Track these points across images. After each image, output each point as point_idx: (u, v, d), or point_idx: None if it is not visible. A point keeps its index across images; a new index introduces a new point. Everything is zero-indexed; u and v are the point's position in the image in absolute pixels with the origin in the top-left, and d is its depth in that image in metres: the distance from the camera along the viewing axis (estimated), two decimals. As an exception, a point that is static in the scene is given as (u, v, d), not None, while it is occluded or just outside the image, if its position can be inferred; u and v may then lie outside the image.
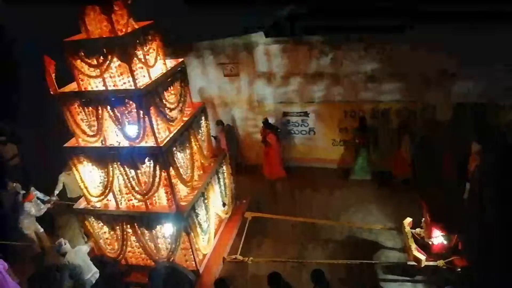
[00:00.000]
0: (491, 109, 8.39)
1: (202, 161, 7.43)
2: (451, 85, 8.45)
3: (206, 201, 7.15)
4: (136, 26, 6.30)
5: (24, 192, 8.18)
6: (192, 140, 6.97)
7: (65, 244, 6.53)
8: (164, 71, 6.60)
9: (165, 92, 6.50)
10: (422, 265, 6.50)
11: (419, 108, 8.89)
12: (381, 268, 7.03)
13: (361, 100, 9.18)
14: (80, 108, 6.31)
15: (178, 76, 6.85)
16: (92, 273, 6.56)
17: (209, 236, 7.31)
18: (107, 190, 6.63)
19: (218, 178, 7.81)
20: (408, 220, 7.22)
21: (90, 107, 6.24)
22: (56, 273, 6.80)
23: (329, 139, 9.89)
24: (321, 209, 8.77)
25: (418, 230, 7.10)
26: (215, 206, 7.66)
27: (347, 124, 9.56)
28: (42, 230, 8.30)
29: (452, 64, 8.20)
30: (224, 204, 8.12)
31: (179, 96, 6.82)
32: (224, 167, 8.10)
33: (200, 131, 7.39)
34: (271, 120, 9.75)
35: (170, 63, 6.99)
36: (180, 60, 7.06)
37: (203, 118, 7.50)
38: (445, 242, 6.56)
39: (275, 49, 9.22)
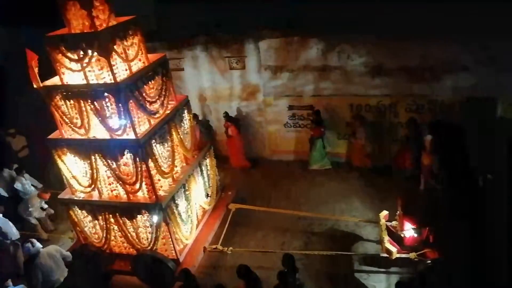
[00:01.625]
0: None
1: (185, 153, 7.60)
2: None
3: (187, 192, 7.33)
4: (117, 21, 6.47)
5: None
6: (173, 133, 7.14)
7: (33, 246, 6.36)
8: (145, 66, 6.75)
9: (145, 86, 6.65)
10: (393, 257, 6.64)
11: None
12: (357, 259, 7.19)
13: (368, 93, 9.20)
14: (63, 101, 6.50)
15: (159, 70, 7.00)
16: (60, 272, 6.61)
17: (191, 226, 7.52)
18: (94, 181, 6.85)
19: (201, 170, 7.98)
20: (384, 213, 7.35)
21: (72, 101, 6.43)
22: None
23: (335, 132, 9.89)
24: (305, 201, 8.95)
25: (394, 223, 7.22)
26: (197, 197, 7.85)
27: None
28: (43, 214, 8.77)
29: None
30: (207, 196, 8.30)
31: (160, 90, 6.97)
32: (208, 160, 8.26)
33: (183, 124, 7.54)
34: (273, 113, 9.92)
35: (154, 57, 7.15)
36: (162, 54, 7.20)
37: (186, 111, 7.66)
38: (415, 235, 6.69)
39: (280, 43, 9.30)
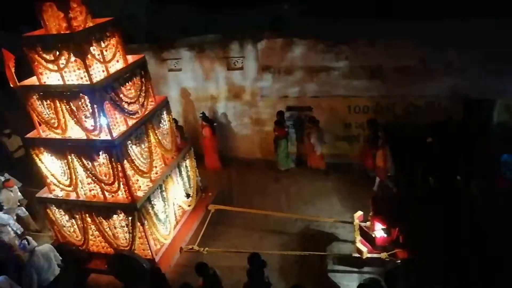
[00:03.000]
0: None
1: (164, 154, 7.66)
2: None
3: (164, 192, 7.40)
4: (95, 23, 6.53)
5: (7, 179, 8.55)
6: (151, 133, 7.20)
7: (29, 244, 6.38)
8: (123, 67, 6.82)
9: (122, 87, 6.72)
10: (364, 257, 6.77)
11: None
12: (331, 259, 7.28)
13: (366, 95, 9.25)
14: (39, 101, 6.57)
15: (137, 71, 7.07)
16: (51, 271, 6.64)
17: (169, 226, 7.59)
18: (72, 180, 6.92)
19: (180, 171, 8.05)
20: (359, 213, 7.46)
21: (48, 101, 6.49)
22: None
23: (333, 133, 9.88)
24: (285, 201, 9.05)
25: (368, 223, 7.32)
26: (176, 198, 7.92)
27: (352, 119, 9.61)
28: (27, 213, 8.72)
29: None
30: (188, 196, 8.36)
31: (138, 91, 7.04)
32: (188, 161, 8.33)
33: (161, 125, 7.61)
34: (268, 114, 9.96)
35: (132, 58, 7.21)
36: (141, 56, 7.26)
37: (165, 112, 7.72)
38: (385, 235, 6.78)
39: (279, 43, 9.35)
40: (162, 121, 7.64)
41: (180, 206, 8.20)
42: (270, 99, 9.99)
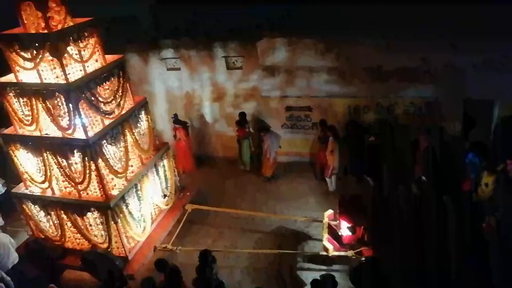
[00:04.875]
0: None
1: (141, 154, 7.76)
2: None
3: (139, 192, 7.50)
4: (74, 23, 6.61)
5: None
6: (127, 133, 7.30)
7: None
8: (100, 67, 6.90)
9: (99, 87, 6.80)
10: (331, 255, 6.97)
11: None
12: (302, 257, 7.45)
13: (367, 95, 9.29)
14: (16, 98, 6.64)
15: (115, 71, 7.15)
16: (11, 258, 6.79)
17: (144, 225, 7.69)
18: (47, 177, 7.00)
19: (157, 171, 8.15)
20: (329, 212, 7.65)
21: (24, 98, 6.57)
22: None
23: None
24: (262, 200, 9.22)
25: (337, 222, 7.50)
26: (153, 197, 8.02)
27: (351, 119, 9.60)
28: None
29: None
30: (165, 196, 8.47)
31: (116, 91, 7.13)
32: (165, 161, 8.43)
33: (139, 125, 7.70)
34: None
35: (112, 58, 7.30)
36: (119, 56, 7.34)
37: (143, 112, 7.82)
38: (349, 234, 6.96)
39: (279, 43, 9.39)
40: (140, 121, 7.73)
41: (157, 205, 8.31)
42: (269, 99, 10.02)
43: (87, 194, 7.03)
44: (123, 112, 7.25)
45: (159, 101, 10.89)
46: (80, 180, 6.67)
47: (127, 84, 7.46)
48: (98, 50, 6.96)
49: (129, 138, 7.33)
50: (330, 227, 7.51)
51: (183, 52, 10.15)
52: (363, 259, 6.61)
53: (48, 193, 7.23)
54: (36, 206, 7.36)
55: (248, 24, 9.75)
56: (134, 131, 7.46)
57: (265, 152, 9.55)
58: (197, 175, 10.32)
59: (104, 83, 6.92)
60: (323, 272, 6.92)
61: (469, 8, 7.65)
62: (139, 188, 7.51)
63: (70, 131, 6.49)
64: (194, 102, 10.69)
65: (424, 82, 8.81)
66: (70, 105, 6.27)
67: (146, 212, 7.73)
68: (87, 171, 6.56)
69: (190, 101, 10.70)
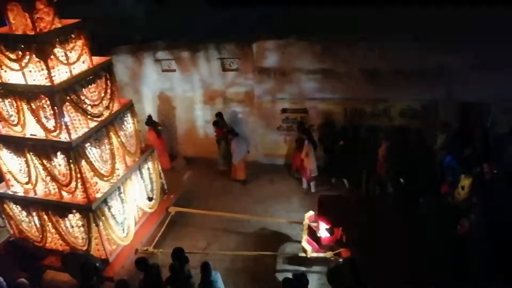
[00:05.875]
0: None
1: (128, 157, 7.78)
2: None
3: (123, 195, 7.52)
4: (62, 24, 6.61)
5: None
6: (113, 136, 7.31)
7: None
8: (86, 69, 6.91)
9: (84, 89, 6.81)
10: (309, 256, 7.09)
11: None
12: (281, 259, 7.58)
13: (363, 98, 9.39)
14: (1, 98, 6.63)
15: (102, 74, 7.16)
16: None
17: (127, 228, 7.70)
18: (31, 178, 6.99)
19: (141, 174, 8.17)
20: (310, 213, 7.78)
21: (9, 99, 6.56)
22: None
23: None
24: (246, 202, 9.39)
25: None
26: (136, 200, 8.04)
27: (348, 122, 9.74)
28: None
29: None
30: (150, 199, 8.49)
31: (102, 93, 7.14)
32: (150, 163, 8.45)
33: (124, 128, 7.72)
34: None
35: (100, 60, 7.30)
36: (106, 58, 7.36)
37: (129, 115, 7.83)
38: (328, 235, 7.09)
39: (275, 44, 9.48)
40: (126, 123, 7.74)
41: (141, 208, 8.32)
42: (265, 101, 10.08)
43: (74, 196, 7.02)
44: (108, 115, 7.27)
45: (153, 103, 10.92)
46: (67, 182, 6.66)
47: (115, 87, 7.47)
48: (85, 52, 6.96)
49: (114, 140, 7.35)
50: (310, 228, 7.64)
51: (178, 54, 10.19)
52: (341, 260, 6.76)
53: (31, 193, 7.21)
54: (17, 207, 7.33)
55: (244, 26, 9.89)
56: (119, 133, 7.47)
57: (232, 155, 9.71)
58: (180, 177, 10.38)
59: (90, 85, 6.93)
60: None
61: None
62: (122, 191, 7.52)
63: (55, 133, 6.50)
64: (188, 103, 10.74)
65: (421, 84, 8.89)
66: (55, 107, 6.28)
67: (129, 215, 7.74)
68: (73, 173, 6.57)
69: (184, 102, 10.74)
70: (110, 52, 9.80)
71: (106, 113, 7.17)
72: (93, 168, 6.86)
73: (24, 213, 7.39)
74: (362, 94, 9.35)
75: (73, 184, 6.71)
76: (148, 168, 8.41)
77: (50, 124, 6.52)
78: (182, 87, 10.59)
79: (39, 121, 6.51)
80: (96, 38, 7.90)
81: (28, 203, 7.20)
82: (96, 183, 7.13)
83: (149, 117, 10.22)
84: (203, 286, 5.70)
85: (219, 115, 10.02)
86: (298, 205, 9.10)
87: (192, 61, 10.15)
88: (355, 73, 9.24)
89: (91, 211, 6.77)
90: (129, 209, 7.76)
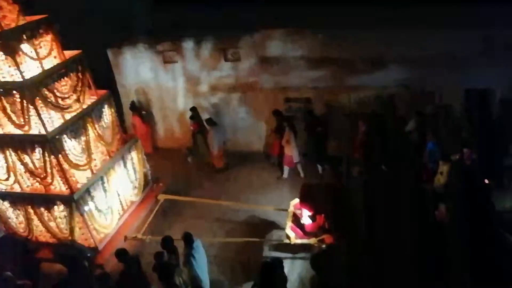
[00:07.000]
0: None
1: (106, 147, 7.90)
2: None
3: (106, 184, 7.65)
4: (28, 21, 6.72)
5: None
6: (89, 127, 7.43)
7: None
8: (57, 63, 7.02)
9: (56, 83, 6.92)
10: (292, 242, 7.09)
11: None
12: (268, 246, 7.61)
13: (366, 85, 9.26)
14: (-26, 96, 6.78)
15: (74, 67, 7.27)
16: None
17: (111, 217, 7.85)
18: (10, 174, 7.16)
19: (125, 163, 8.29)
20: (295, 201, 7.76)
21: (-20, 96, 6.71)
22: None
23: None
24: (235, 190, 9.39)
25: (302, 210, 7.64)
26: (121, 189, 8.17)
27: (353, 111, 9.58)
28: None
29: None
30: (135, 188, 8.62)
31: (74, 86, 7.25)
32: (134, 153, 8.57)
33: (102, 119, 7.83)
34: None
35: (71, 54, 7.40)
36: (78, 52, 7.45)
37: (106, 106, 7.94)
38: (310, 222, 7.08)
39: (278, 34, 9.40)
40: (103, 115, 7.85)
41: (127, 197, 8.46)
42: (268, 90, 10.00)
43: (53, 188, 7.19)
44: (84, 106, 7.38)
45: (155, 93, 10.94)
46: (43, 175, 6.82)
47: (87, 79, 7.57)
48: (55, 47, 7.06)
49: (91, 132, 7.46)
50: (295, 215, 7.65)
51: (180, 45, 10.16)
52: (324, 246, 6.78)
53: (16, 188, 7.40)
54: (5, 202, 7.53)
55: (246, 16, 9.79)
56: (96, 125, 7.58)
57: (209, 145, 9.82)
58: (169, 166, 10.49)
59: (62, 79, 7.04)
60: (288, 260, 7.15)
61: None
62: (105, 180, 7.66)
63: (26, 128, 6.64)
64: (189, 94, 10.73)
65: (424, 72, 8.72)
66: (25, 101, 6.41)
67: (113, 204, 7.88)
68: (48, 166, 6.71)
69: (186, 93, 10.74)
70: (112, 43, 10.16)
71: (77, 106, 7.26)
72: (67, 160, 6.97)
73: (11, 208, 7.58)
74: (366, 82, 9.20)
75: (52, 177, 6.85)
76: (131, 158, 8.52)
77: (21, 119, 6.65)
78: (186, 78, 10.54)
79: (9, 118, 6.66)
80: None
81: (15, 198, 7.39)
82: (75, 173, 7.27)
83: (132, 102, 10.42)
84: (187, 254, 5.83)
85: (193, 109, 10.08)
86: (287, 192, 9.01)
87: (194, 52, 10.11)
88: (359, 61, 9.08)
89: (73, 201, 6.91)
90: (113, 198, 7.90)
